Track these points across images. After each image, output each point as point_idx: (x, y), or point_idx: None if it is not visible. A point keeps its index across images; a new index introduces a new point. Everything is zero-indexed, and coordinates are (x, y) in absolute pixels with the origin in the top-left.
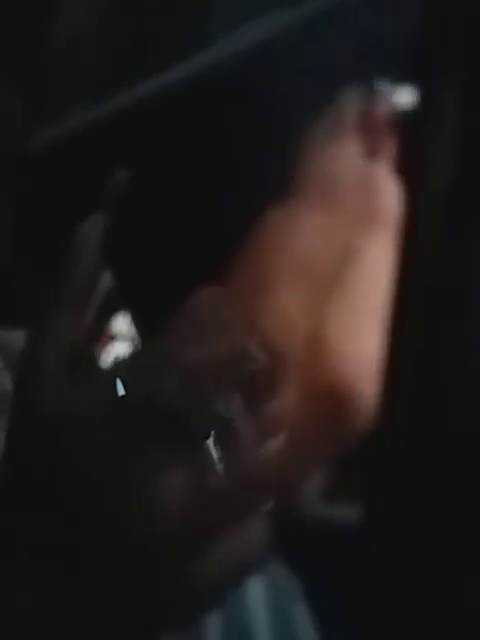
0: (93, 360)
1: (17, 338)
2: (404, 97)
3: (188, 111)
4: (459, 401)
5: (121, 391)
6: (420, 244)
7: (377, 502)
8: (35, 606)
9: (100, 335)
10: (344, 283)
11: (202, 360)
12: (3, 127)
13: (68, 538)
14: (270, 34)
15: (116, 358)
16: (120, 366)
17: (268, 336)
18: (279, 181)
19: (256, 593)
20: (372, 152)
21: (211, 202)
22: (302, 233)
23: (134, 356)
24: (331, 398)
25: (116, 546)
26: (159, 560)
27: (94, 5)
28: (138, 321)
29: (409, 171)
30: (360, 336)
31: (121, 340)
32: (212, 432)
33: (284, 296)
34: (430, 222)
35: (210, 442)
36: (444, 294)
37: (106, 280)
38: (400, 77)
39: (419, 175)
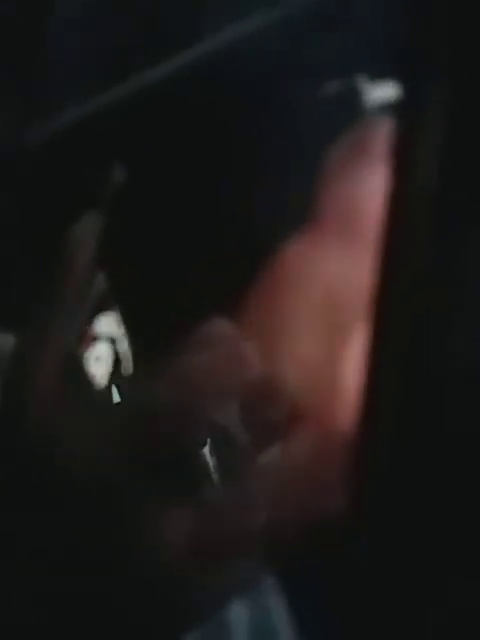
0: (84, 370)
1: (5, 341)
2: (383, 93)
3: (184, 105)
4: (449, 397)
5: (116, 398)
6: (408, 238)
7: (361, 500)
8: (34, 608)
9: (83, 337)
10: (365, 327)
11: (195, 366)
12: (2, 123)
13: (59, 540)
14: (259, 29)
15: (111, 376)
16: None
17: (284, 383)
18: (289, 202)
19: None
20: None
21: (206, 200)
22: (324, 270)
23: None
24: (346, 444)
25: (107, 550)
26: (152, 569)
27: (88, 1)
28: (129, 323)
29: (397, 165)
30: None
31: (103, 341)
32: (208, 441)
33: (302, 340)
34: (419, 215)
35: (206, 451)
36: (434, 288)
37: (101, 282)
38: (380, 72)
39: (407, 169)
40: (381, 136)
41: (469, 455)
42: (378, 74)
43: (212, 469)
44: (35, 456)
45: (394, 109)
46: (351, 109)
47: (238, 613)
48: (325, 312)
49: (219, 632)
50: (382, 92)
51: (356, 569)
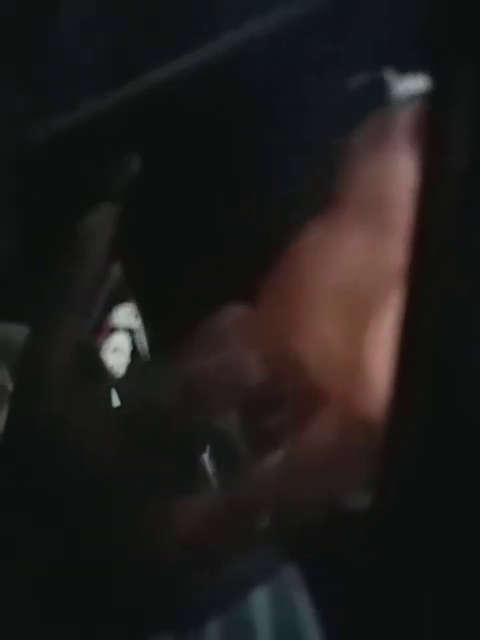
0: (99, 360)
1: (15, 331)
2: (411, 85)
3: (194, 102)
4: (474, 388)
5: (116, 401)
6: (436, 226)
7: (384, 490)
8: (34, 608)
9: (101, 328)
10: (387, 309)
11: (199, 371)
12: (4, 122)
13: (67, 539)
14: (279, 24)
15: (125, 367)
16: (127, 375)
17: (303, 363)
18: (309, 188)
19: None
20: None
21: (217, 194)
22: (344, 254)
23: (142, 367)
24: (368, 427)
25: (116, 547)
26: (161, 566)
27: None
28: (145, 313)
29: (425, 155)
30: None
31: (121, 332)
32: (208, 447)
33: (322, 321)
34: (446, 204)
35: (206, 457)
36: (460, 275)
37: (113, 273)
38: (407, 65)
39: (435, 159)
40: (403, 122)
41: None
42: (405, 67)
43: (211, 475)
44: (41, 449)
45: (423, 98)
46: (378, 102)
47: (261, 610)
48: (346, 294)
49: (243, 630)
50: (409, 85)
51: (378, 557)
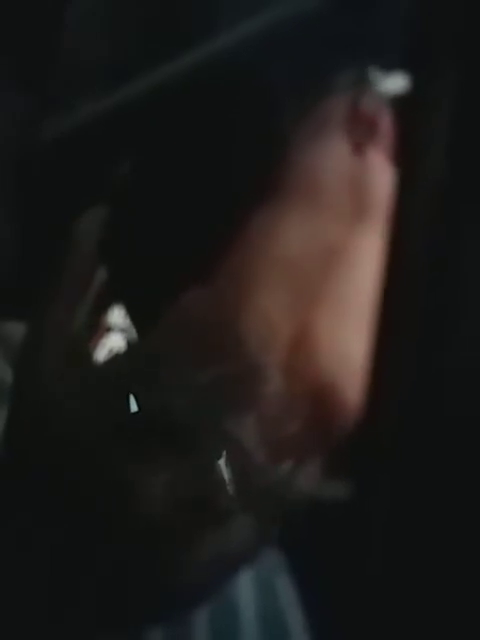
0: (89, 357)
1: (18, 330)
2: (395, 84)
3: (188, 104)
4: (451, 383)
5: (134, 406)
6: (413, 229)
7: (365, 480)
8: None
9: (96, 328)
10: (330, 283)
11: (214, 378)
12: (9, 124)
13: (65, 522)
14: (268, 26)
15: (116, 361)
16: (121, 370)
17: (248, 339)
18: (265, 178)
19: None
20: (361, 147)
21: (209, 196)
22: (287, 233)
23: (134, 360)
24: (318, 397)
25: (110, 528)
26: (153, 548)
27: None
28: (133, 315)
29: (403, 158)
30: (346, 336)
31: (116, 332)
32: (224, 452)
33: (267, 298)
34: (424, 207)
35: (222, 462)
36: (437, 277)
37: (103, 274)
38: (392, 64)
39: (413, 162)
40: (340, 112)
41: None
42: (390, 65)
43: (228, 481)
44: (42, 437)
45: (404, 99)
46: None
47: (246, 596)
48: (290, 272)
49: (227, 614)
50: (394, 83)
51: (362, 543)
